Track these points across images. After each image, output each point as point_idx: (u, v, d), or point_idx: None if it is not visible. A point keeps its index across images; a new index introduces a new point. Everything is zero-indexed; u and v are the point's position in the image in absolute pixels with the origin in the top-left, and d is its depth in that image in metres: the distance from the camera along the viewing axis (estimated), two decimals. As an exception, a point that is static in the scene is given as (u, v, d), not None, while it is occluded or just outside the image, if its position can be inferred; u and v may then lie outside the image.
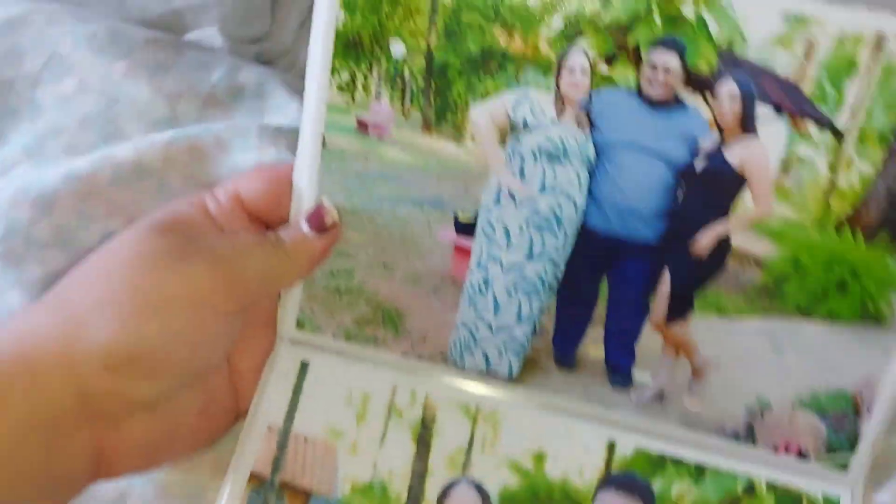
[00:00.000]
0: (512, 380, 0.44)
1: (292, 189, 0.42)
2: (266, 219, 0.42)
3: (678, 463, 0.43)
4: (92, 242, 0.46)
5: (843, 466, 0.42)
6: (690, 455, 0.43)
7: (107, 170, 0.48)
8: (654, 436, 0.43)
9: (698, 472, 0.42)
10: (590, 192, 0.41)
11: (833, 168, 0.38)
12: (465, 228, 0.42)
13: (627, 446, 0.43)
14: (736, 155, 0.39)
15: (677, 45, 0.38)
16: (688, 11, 0.37)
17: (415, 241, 0.43)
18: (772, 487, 0.42)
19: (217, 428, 0.42)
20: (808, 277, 0.40)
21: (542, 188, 0.41)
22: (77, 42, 0.51)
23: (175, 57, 0.51)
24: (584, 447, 0.43)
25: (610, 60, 0.39)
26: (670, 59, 0.38)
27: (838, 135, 0.38)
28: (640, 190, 0.40)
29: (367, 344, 0.44)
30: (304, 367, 0.44)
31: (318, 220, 0.41)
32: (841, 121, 0.38)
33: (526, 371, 0.44)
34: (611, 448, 0.43)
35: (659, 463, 0.43)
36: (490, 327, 0.44)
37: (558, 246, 0.42)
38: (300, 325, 0.44)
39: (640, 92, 0.39)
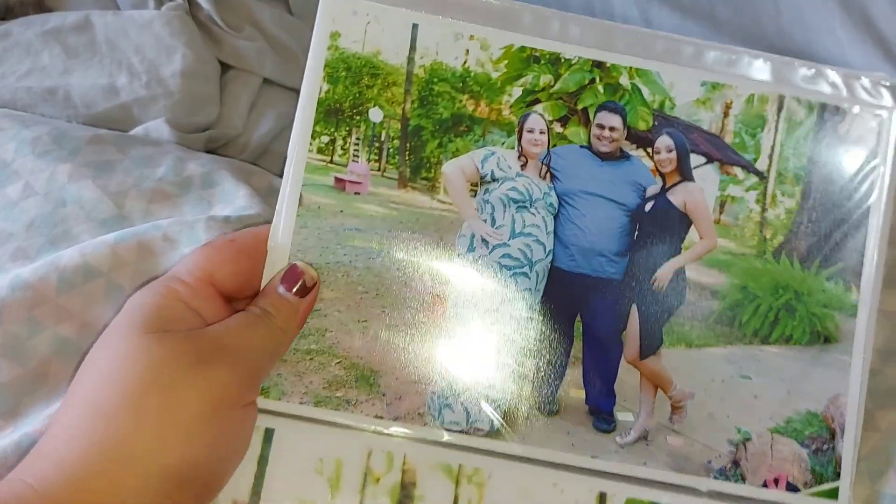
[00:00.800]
0: (494, 433, 0.42)
1: (265, 257, 0.42)
2: (238, 294, 0.42)
3: (670, 509, 0.41)
4: (42, 351, 0.44)
5: (832, 495, 0.42)
6: (682, 500, 0.42)
7: (53, 275, 0.46)
8: (643, 483, 0.42)
9: (692, 517, 0.41)
10: (556, 235, 0.44)
11: (761, 204, 0.44)
12: (442, 277, 0.43)
13: (618, 497, 0.42)
14: (678, 197, 0.44)
15: (619, 108, 0.44)
16: (624, 81, 0.44)
17: (390, 295, 0.43)
18: (766, 527, 0.41)
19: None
20: (758, 302, 0.43)
21: (513, 233, 0.44)
22: (21, 147, 0.51)
23: (120, 154, 0.52)
24: (574, 501, 0.41)
25: (563, 122, 0.44)
26: (614, 120, 0.44)
27: (761, 176, 0.44)
28: (600, 231, 0.44)
29: (339, 407, 0.42)
30: (268, 434, 0.41)
31: (295, 281, 0.41)
32: (761, 164, 0.44)
33: (508, 422, 0.43)
34: (602, 499, 0.41)
35: (652, 511, 0.41)
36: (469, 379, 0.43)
37: (530, 287, 0.44)
38: (265, 392, 0.42)
39: (591, 147, 0.44)
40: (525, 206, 0.44)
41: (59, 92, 0.58)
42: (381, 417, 0.42)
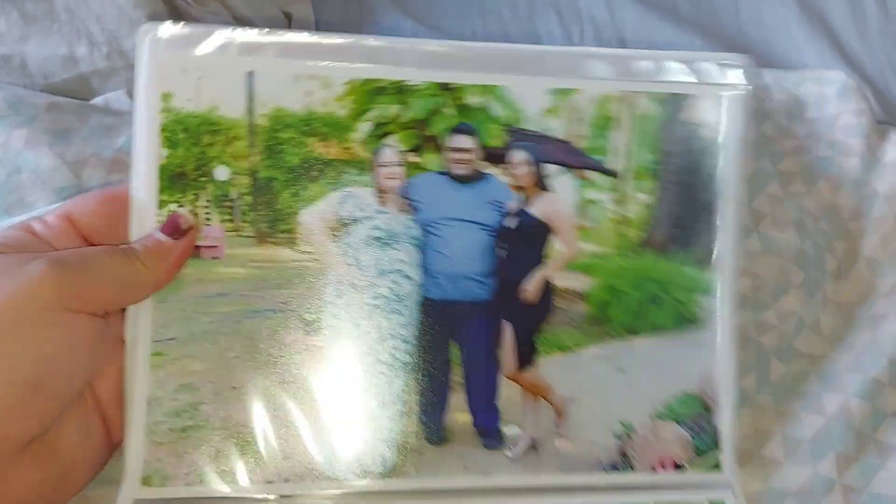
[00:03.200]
0: (389, 472, 0.44)
1: (129, 208, 0.41)
2: (98, 237, 0.41)
3: (570, 511, 0.44)
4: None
5: (716, 466, 0.45)
6: (577, 500, 0.44)
7: None
8: (540, 491, 0.44)
9: (591, 514, 0.44)
10: (423, 266, 0.44)
11: (619, 203, 0.45)
12: (313, 328, 0.44)
13: (518, 509, 0.44)
14: (538, 209, 0.44)
15: (470, 129, 0.44)
16: (472, 100, 0.44)
17: (263, 354, 0.43)
18: (660, 508, 0.44)
19: (96, 463, 0.40)
20: (626, 299, 0.45)
21: (380, 272, 0.44)
22: None
23: (79, 123, 0.50)
24: (477, 522, 0.43)
25: (417, 150, 0.44)
26: (467, 142, 0.44)
27: (615, 176, 0.45)
28: (465, 255, 0.44)
29: (227, 480, 0.42)
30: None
31: (173, 227, 0.41)
32: (614, 164, 0.45)
33: (400, 460, 0.44)
34: (502, 513, 0.44)
35: (553, 516, 0.44)
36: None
37: (404, 322, 0.44)
38: (146, 481, 0.41)
39: (447, 172, 0.44)
40: (389, 243, 0.44)
41: (15, 59, 0.56)
42: (272, 482, 0.42)
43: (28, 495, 0.35)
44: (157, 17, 0.55)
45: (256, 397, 0.42)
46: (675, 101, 0.45)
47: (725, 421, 0.45)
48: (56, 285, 0.35)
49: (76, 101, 0.52)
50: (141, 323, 0.41)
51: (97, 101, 0.55)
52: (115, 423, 0.41)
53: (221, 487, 0.42)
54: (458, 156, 0.44)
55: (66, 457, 0.37)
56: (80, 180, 0.47)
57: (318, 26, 0.69)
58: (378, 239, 0.44)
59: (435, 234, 0.44)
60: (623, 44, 0.72)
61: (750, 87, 0.45)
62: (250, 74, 0.42)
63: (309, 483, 0.42)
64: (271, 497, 0.42)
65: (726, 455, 0.45)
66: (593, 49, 0.44)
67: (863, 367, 0.49)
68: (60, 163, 0.47)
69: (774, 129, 0.58)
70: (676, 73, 0.44)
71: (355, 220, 0.44)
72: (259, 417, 0.42)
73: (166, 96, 0.41)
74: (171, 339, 0.42)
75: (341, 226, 0.44)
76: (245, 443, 0.42)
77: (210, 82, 0.42)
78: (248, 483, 0.42)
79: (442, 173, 0.44)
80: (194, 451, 0.42)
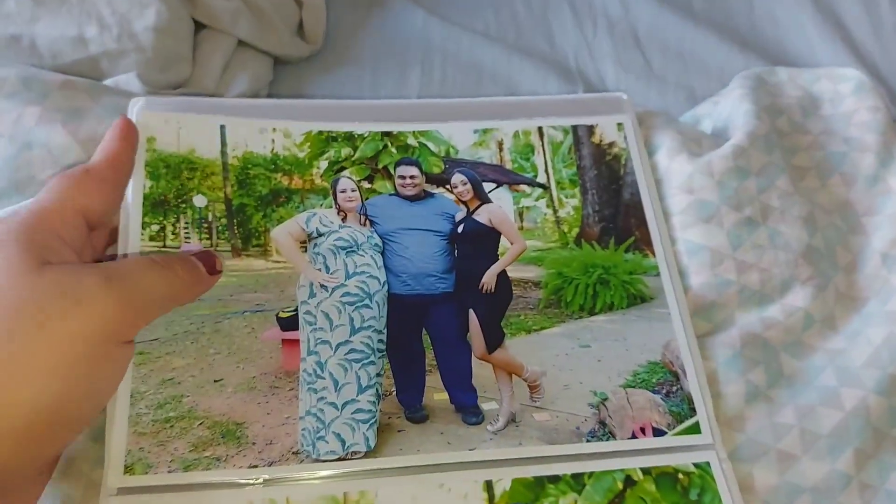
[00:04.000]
0: (372, 452, 0.42)
1: (124, 181, 0.42)
2: (100, 221, 0.40)
3: (555, 479, 0.42)
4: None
5: (697, 430, 0.45)
6: (563, 468, 0.43)
7: None
8: (523, 462, 0.43)
9: (577, 481, 0.42)
10: (388, 268, 0.48)
11: (551, 207, 0.51)
12: (289, 323, 0.45)
13: (504, 480, 0.42)
14: (483, 216, 0.50)
15: (414, 161, 0.51)
16: (412, 142, 0.52)
17: (242, 350, 0.44)
18: (647, 472, 0.43)
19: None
20: (576, 283, 0.49)
21: (348, 275, 0.47)
22: None
23: (91, 102, 0.50)
24: (464, 496, 0.41)
25: (370, 180, 0.51)
26: (412, 170, 0.51)
27: (544, 187, 0.52)
28: (425, 257, 0.48)
29: (210, 467, 0.41)
30: (143, 513, 0.39)
31: (208, 261, 0.41)
32: (542, 178, 0.52)
33: (383, 440, 0.43)
34: (489, 487, 0.42)
35: (538, 485, 0.42)
36: (335, 406, 0.44)
37: (375, 315, 0.46)
38: (129, 469, 0.40)
39: (398, 194, 0.50)
40: (353, 251, 0.48)
41: (25, 40, 0.55)
42: (256, 466, 0.41)
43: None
44: (167, 1, 0.57)
45: (238, 389, 0.43)
46: (581, 129, 0.54)
47: (695, 385, 0.46)
48: (119, 319, 0.34)
49: (89, 80, 0.53)
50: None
51: (108, 83, 0.55)
52: None
53: (204, 474, 0.40)
54: (405, 181, 0.50)
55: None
56: (91, 158, 0.45)
57: (329, 11, 0.68)
58: (343, 248, 0.48)
59: (395, 242, 0.49)
60: (636, 39, 0.71)
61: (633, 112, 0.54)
62: (223, 127, 0.50)
63: (294, 466, 0.41)
64: (256, 481, 0.41)
65: (703, 418, 0.45)
66: (503, 99, 0.55)
67: (881, 364, 0.48)
68: (72, 141, 0.48)
69: (789, 124, 0.59)
70: (580, 107, 0.54)
71: (321, 234, 0.48)
72: (241, 407, 0.42)
73: (150, 140, 0.48)
74: (153, 340, 0.43)
75: (309, 239, 0.48)
76: (228, 431, 0.42)
77: (188, 132, 0.49)
78: (231, 468, 0.41)
79: (394, 194, 0.50)
80: (177, 439, 0.41)
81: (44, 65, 0.55)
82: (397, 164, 0.51)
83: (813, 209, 0.54)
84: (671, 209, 0.52)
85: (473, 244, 0.49)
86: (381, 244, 0.49)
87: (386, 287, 0.48)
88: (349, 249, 0.48)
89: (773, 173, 0.53)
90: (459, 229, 0.50)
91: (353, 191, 0.50)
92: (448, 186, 0.51)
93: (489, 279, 0.48)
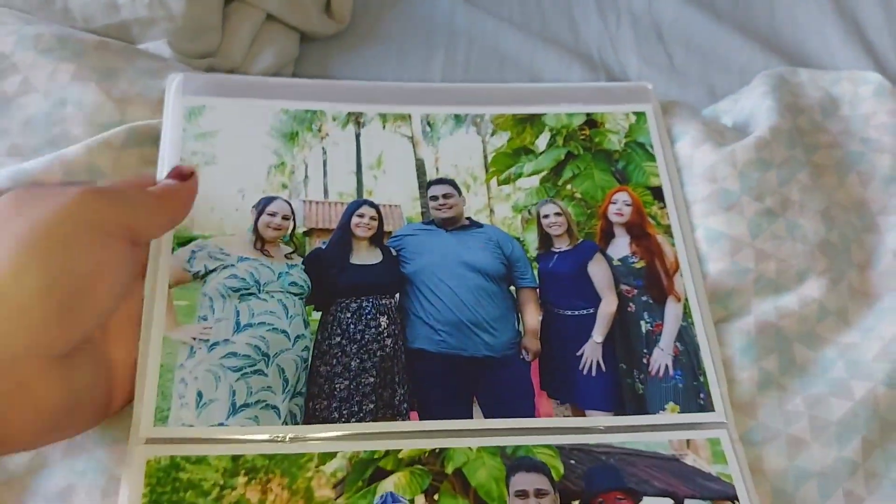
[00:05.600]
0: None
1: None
2: None
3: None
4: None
5: (709, 407, 0.46)
6: (580, 440, 0.44)
7: (58, 170, 0.45)
8: (540, 431, 0.44)
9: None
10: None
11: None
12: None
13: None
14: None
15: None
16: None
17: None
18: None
19: (95, 414, 0.39)
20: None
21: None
22: (22, 41, 0.50)
23: (125, 63, 0.51)
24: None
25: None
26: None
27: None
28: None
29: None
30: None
31: (178, 174, 0.43)
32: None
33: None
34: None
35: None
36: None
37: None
38: (161, 419, 0.40)
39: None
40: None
41: (58, 3, 0.56)
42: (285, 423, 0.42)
43: (43, 413, 0.35)
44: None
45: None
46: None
47: (709, 364, 0.47)
48: (92, 207, 0.37)
49: (123, 42, 0.54)
50: (161, 266, 0.43)
51: (139, 48, 0.56)
52: (117, 390, 0.41)
53: (233, 429, 0.41)
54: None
55: (79, 390, 0.37)
56: (124, 118, 0.49)
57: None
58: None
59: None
60: (659, 34, 0.72)
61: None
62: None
63: (318, 425, 0.42)
64: (284, 437, 0.41)
65: (716, 396, 0.46)
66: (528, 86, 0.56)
67: (891, 357, 0.48)
68: (106, 99, 0.48)
69: (809, 123, 0.60)
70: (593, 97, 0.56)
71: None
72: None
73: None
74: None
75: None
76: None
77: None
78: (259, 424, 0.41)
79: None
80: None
81: (76, 28, 0.56)
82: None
83: (830, 206, 0.55)
84: (692, 196, 0.53)
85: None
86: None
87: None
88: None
89: (794, 167, 0.54)
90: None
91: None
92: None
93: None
